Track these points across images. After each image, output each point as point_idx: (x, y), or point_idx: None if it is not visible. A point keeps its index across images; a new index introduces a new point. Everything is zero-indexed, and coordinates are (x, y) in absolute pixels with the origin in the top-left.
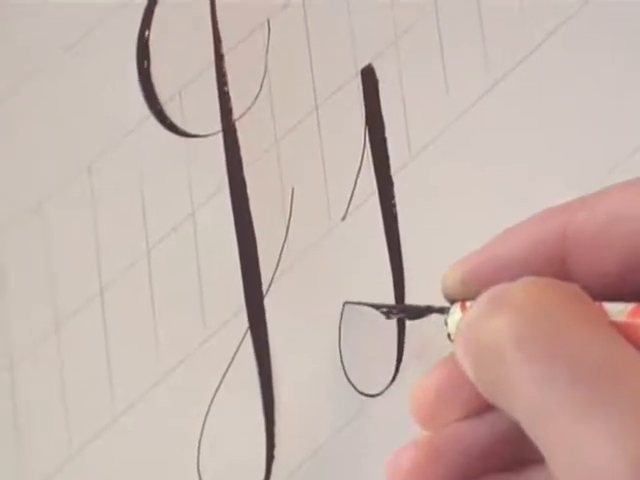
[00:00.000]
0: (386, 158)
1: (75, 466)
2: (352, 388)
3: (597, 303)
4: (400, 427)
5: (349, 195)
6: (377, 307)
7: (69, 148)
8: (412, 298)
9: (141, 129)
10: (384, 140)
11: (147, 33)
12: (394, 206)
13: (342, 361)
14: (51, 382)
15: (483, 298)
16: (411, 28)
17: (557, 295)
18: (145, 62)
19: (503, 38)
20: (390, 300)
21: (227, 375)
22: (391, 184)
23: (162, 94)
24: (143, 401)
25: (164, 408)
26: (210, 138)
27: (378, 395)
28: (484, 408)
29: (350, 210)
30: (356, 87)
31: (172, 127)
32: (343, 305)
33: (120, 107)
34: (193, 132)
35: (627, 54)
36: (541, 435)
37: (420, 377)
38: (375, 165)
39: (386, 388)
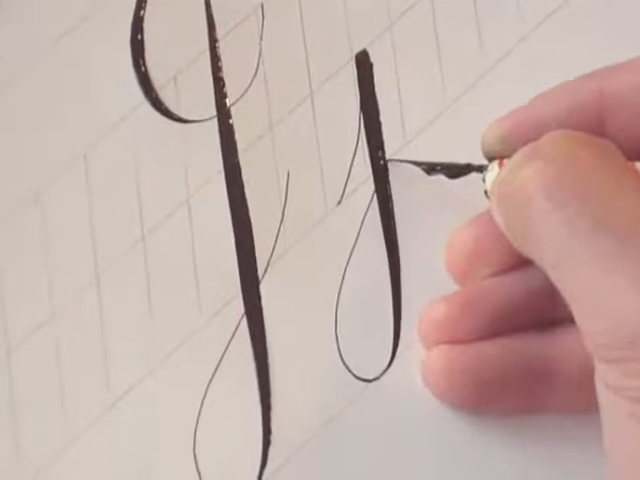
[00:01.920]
0: (381, 143)
1: (71, 454)
2: (349, 373)
3: (630, 162)
4: (397, 411)
5: (344, 180)
6: (419, 164)
7: (64, 135)
8: (408, 281)
9: (136, 115)
10: (379, 125)
11: (141, 19)
12: (389, 190)
13: (338, 345)
14: (47, 370)
15: (518, 153)
16: (406, 12)
17: (587, 147)
18: (139, 48)
19: (499, 22)
20: (386, 285)
21: (223, 361)
22: (386, 168)
23: (157, 80)
24: (139, 388)
25: (160, 395)
26: (205, 123)
27: (375, 380)
28: (517, 265)
29: (346, 194)
30: (351, 72)
31: (167, 113)
32: (386, 162)
33: (115, 93)
34: (188, 118)
35: (625, 36)
36: (566, 283)
37: (457, 229)
38: (370, 150)
39: (383, 373)
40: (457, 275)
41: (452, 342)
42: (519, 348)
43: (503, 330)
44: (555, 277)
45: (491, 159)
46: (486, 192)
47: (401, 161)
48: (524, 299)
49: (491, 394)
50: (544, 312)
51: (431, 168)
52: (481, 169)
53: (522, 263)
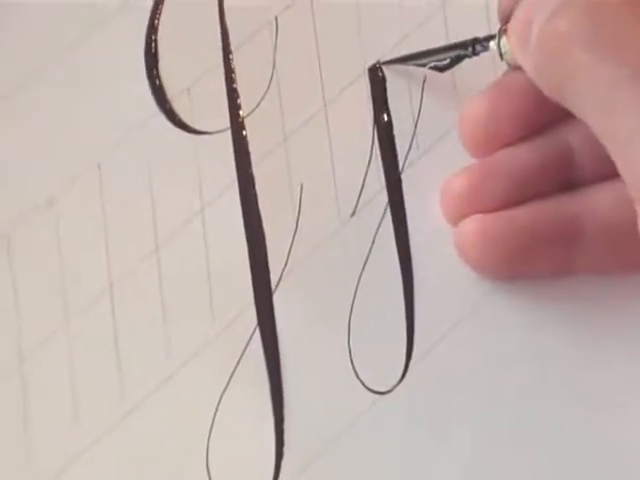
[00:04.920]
0: (394, 155)
1: (84, 462)
2: (361, 385)
3: None
4: (409, 424)
5: (358, 191)
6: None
7: (79, 145)
8: (421, 293)
9: (150, 126)
10: (392, 137)
11: (155, 30)
12: (403, 202)
13: (351, 358)
14: (61, 378)
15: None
16: (419, 26)
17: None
18: (153, 59)
19: None
20: (399, 297)
21: (236, 372)
22: (399, 180)
23: (170, 91)
24: (152, 398)
25: (173, 405)
26: (218, 135)
27: (387, 392)
28: (532, 132)
29: (359, 206)
30: (364, 84)
31: (181, 124)
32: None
33: (129, 104)
34: (202, 129)
35: None
36: (607, 133)
37: (470, 100)
38: (384, 162)
39: (395, 385)
40: (472, 146)
41: (479, 212)
42: (548, 209)
43: (529, 196)
44: (596, 126)
45: (506, 20)
46: (501, 55)
47: (392, 61)
48: (544, 163)
49: (525, 258)
50: (566, 175)
51: (429, 53)
52: (490, 38)
53: (536, 130)
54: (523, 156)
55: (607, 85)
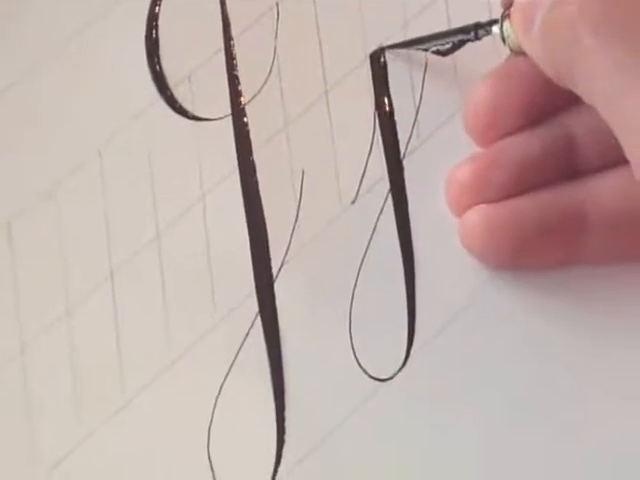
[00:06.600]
0: (396, 142)
1: (84, 451)
2: (363, 372)
3: None
4: (410, 411)
5: (359, 178)
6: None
7: (79, 132)
8: (422, 280)
9: (151, 113)
10: (393, 124)
11: (156, 17)
12: (404, 189)
13: (352, 345)
14: (61, 367)
15: None
16: (421, 11)
17: None
18: (154, 45)
19: None
20: (401, 284)
21: (237, 360)
22: (401, 168)
23: (172, 78)
24: (153, 386)
25: (174, 393)
26: (220, 122)
27: (389, 380)
28: (535, 121)
29: (360, 193)
30: (365, 70)
31: (182, 111)
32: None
33: (130, 91)
34: (202, 116)
35: None
36: (615, 116)
37: (474, 87)
38: (385, 149)
39: (397, 373)
40: (476, 134)
41: (483, 202)
42: (551, 198)
43: (532, 185)
44: (604, 111)
45: (509, 4)
46: (504, 40)
47: (395, 46)
48: (548, 151)
49: (529, 248)
50: (570, 163)
51: (432, 38)
52: (493, 23)
53: (540, 117)
54: (526, 144)
55: (615, 70)
